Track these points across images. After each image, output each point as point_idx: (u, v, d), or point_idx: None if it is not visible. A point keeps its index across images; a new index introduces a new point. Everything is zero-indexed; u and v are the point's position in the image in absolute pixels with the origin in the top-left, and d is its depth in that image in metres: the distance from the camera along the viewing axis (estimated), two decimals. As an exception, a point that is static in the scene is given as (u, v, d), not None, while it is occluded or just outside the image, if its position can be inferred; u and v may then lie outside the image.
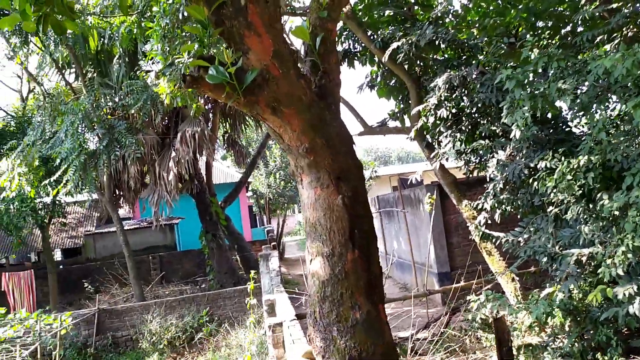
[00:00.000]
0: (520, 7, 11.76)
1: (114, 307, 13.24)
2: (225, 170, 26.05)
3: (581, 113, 6.94)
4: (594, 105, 6.51)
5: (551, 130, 8.88)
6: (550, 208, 7.61)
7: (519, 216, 9.13)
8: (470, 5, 12.49)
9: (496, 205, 9.07)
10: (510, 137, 7.93)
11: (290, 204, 31.75)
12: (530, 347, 7.80)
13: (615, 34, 8.70)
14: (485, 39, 10.55)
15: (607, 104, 6.51)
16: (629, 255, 6.29)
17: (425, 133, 10.43)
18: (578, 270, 7.22)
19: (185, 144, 14.55)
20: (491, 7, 12.48)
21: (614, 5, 8.68)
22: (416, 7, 11.28)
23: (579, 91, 6.34)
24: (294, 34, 3.93)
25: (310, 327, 3.78)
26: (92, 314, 12.45)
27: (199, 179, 17.06)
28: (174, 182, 14.85)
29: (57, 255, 24.39)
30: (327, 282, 3.71)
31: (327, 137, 3.72)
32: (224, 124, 19.14)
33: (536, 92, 6.47)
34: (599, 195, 6.58)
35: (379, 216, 20.84)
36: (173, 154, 14.75)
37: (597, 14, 8.84)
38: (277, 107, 3.55)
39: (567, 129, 8.71)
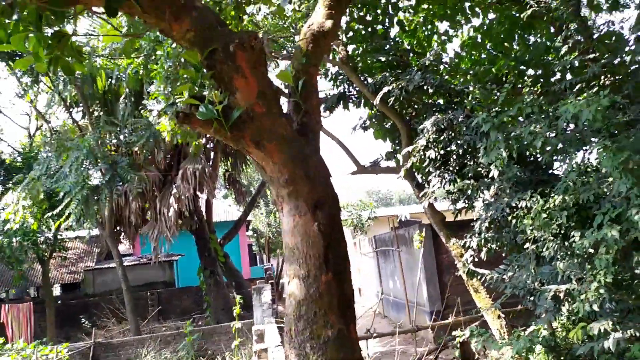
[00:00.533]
0: (510, 55, 12.39)
1: (109, 340, 13.41)
2: (226, 209, 26.45)
3: (556, 157, 7.36)
4: (571, 150, 6.93)
5: (533, 172, 9.30)
6: (527, 245, 7.95)
7: (503, 254, 9.47)
8: (463, 54, 13.13)
9: (482, 243, 9.40)
10: (490, 176, 8.33)
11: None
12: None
13: (593, 82, 9.20)
14: (475, 85, 11.09)
15: (581, 148, 6.92)
16: (601, 291, 6.59)
17: (415, 173, 10.85)
18: (555, 306, 7.49)
19: (186, 181, 14.99)
20: (483, 56, 13.13)
21: (592, 56, 9.21)
22: (411, 55, 11.89)
23: (551, 135, 6.76)
24: (279, 77, 4.40)
25: (286, 345, 4.09)
26: (87, 347, 12.62)
27: (199, 216, 17.42)
28: (173, 218, 15.21)
29: (57, 290, 24.56)
30: (302, 301, 4.04)
31: (306, 169, 4.12)
32: (225, 163, 19.64)
33: (511, 134, 6.91)
34: (572, 233, 6.91)
35: (375, 256, 21.06)
36: (174, 190, 15.17)
37: (577, 63, 9.35)
38: (260, 141, 3.97)
39: (549, 171, 9.12)
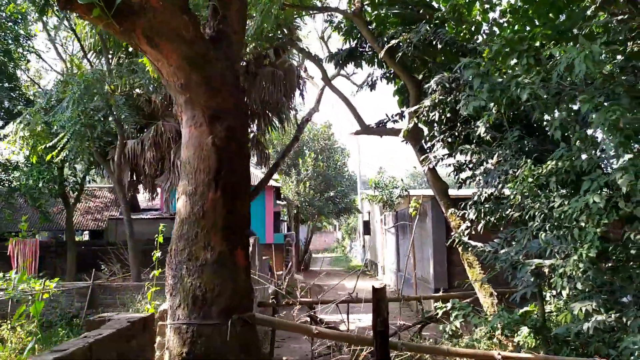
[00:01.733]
0: (545, 23, 11.41)
1: (108, 283, 13.55)
2: (253, 172, 26.24)
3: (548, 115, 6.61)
4: (563, 105, 6.19)
5: (541, 142, 8.55)
6: (510, 212, 7.27)
7: (501, 228, 8.79)
8: (502, 21, 12.21)
9: (480, 215, 8.75)
10: (477, 134, 7.66)
11: (320, 216, 31.70)
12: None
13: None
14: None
15: (574, 103, 6.18)
16: (581, 265, 5.91)
17: (419, 136, 10.22)
18: (534, 281, 6.83)
19: (201, 134, 14.80)
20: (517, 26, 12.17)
21: (620, 17, 8.29)
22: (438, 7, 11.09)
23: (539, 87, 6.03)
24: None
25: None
26: (87, 287, 12.76)
27: (216, 173, 17.26)
28: (186, 171, 15.09)
29: (86, 236, 25.25)
30: (185, 220, 3.66)
31: (205, 75, 3.69)
32: (250, 124, 19.36)
33: (496, 84, 6.23)
34: (555, 199, 6.23)
35: (396, 232, 20.48)
36: (188, 143, 15.02)
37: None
38: (153, 38, 3.56)
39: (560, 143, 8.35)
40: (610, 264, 6.55)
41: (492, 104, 6.59)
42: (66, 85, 11.69)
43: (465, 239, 9.35)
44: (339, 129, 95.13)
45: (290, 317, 10.16)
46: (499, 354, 3.98)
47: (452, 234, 9.46)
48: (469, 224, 9.37)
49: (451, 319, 8.43)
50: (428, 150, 9.90)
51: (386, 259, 23.39)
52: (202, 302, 3.46)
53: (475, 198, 8.95)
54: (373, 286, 3.81)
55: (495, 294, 9.15)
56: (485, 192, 8.81)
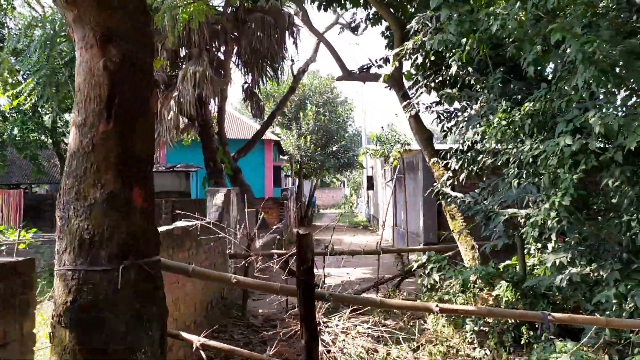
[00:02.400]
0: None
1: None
2: (252, 125, 25.79)
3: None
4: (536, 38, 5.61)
5: (528, 86, 7.97)
6: (482, 158, 6.79)
7: (484, 178, 8.33)
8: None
9: (464, 164, 8.28)
10: (450, 73, 7.11)
11: (323, 171, 31.31)
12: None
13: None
14: None
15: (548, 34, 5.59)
16: (552, 214, 5.45)
17: (403, 81, 9.67)
18: (505, 232, 6.41)
19: (187, 83, 14.34)
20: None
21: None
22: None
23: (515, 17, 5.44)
24: None
25: (56, 206, 3.34)
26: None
27: (205, 124, 16.85)
28: (174, 122, 14.71)
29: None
30: (74, 154, 3.25)
31: (96, -13, 3.21)
32: (245, 75, 18.83)
33: (465, 15, 5.65)
34: (527, 143, 5.74)
35: (393, 186, 20.06)
36: (175, 92, 14.57)
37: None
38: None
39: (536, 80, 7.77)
40: (589, 214, 6.10)
41: (464, 40, 6.03)
42: (33, 29, 11.22)
43: (448, 189, 8.91)
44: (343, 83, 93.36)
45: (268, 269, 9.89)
46: (437, 305, 3.59)
47: (434, 184, 9.01)
48: (450, 174, 8.93)
49: (426, 272, 8.10)
50: (412, 96, 9.36)
51: (384, 214, 23.06)
52: (90, 245, 3.08)
53: (458, 146, 8.48)
54: (297, 232, 3.41)
55: (477, 246, 8.76)
56: (468, 140, 8.33)
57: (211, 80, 14.37)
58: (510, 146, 6.24)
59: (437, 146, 9.75)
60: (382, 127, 27.53)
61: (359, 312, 8.97)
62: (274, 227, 19.07)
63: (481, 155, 7.70)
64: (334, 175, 45.53)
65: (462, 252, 8.91)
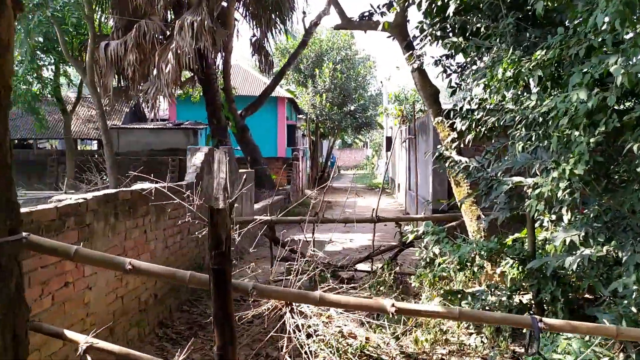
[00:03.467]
0: None
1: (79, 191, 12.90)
2: (267, 83, 24.71)
3: None
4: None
5: (543, 33, 6.86)
6: (483, 116, 5.82)
7: (492, 141, 7.34)
8: None
9: (472, 125, 7.30)
10: (447, 14, 6.09)
11: (339, 132, 30.31)
12: (459, 294, 6.19)
13: None
14: None
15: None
16: (561, 184, 4.52)
17: (407, 30, 8.60)
18: (506, 203, 5.50)
19: (185, 34, 13.43)
20: None
21: None
22: None
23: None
24: None
25: None
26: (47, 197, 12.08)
27: (209, 78, 15.98)
28: (172, 76, 13.87)
29: (95, 145, 24.77)
30: None
31: None
32: (253, 28, 17.80)
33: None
34: (532, 98, 4.76)
35: (407, 147, 19.07)
36: (173, 44, 13.69)
37: None
38: None
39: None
40: (608, 185, 5.13)
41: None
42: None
43: (453, 153, 7.96)
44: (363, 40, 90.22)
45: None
46: (392, 305, 2.76)
47: (438, 147, 8.04)
48: (456, 136, 7.95)
49: (423, 244, 7.25)
50: (416, 47, 8.31)
51: (400, 176, 22.14)
52: None
53: (463, 104, 7.49)
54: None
55: (483, 216, 7.83)
56: (475, 97, 7.35)
57: (210, 31, 13.43)
58: (517, 103, 5.25)
59: (445, 105, 8.73)
60: (401, 87, 26.38)
61: (350, 286, 8.22)
62: (284, 187, 18.34)
63: (491, 115, 6.70)
64: (355, 135, 44.51)
65: (467, 222, 8.01)
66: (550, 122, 4.81)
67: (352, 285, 8.15)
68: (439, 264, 6.45)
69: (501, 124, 6.27)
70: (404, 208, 18.70)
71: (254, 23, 17.55)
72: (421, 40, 8.06)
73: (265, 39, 17.92)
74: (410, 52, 8.23)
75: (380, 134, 40.16)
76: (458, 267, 6.17)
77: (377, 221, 8.15)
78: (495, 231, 7.80)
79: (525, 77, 4.98)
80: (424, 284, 6.87)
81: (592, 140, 4.39)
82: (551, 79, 4.92)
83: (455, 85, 8.21)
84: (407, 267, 8.94)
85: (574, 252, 4.92)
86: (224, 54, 16.30)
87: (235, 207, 10.32)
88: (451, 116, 7.72)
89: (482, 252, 6.07)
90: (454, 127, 7.72)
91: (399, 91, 25.36)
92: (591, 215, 4.89)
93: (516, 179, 5.41)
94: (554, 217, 6.00)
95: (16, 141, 23.38)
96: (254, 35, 18.12)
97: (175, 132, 20.66)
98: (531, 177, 5.69)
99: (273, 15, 16.86)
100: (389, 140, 28.45)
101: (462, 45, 7.00)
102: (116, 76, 15.47)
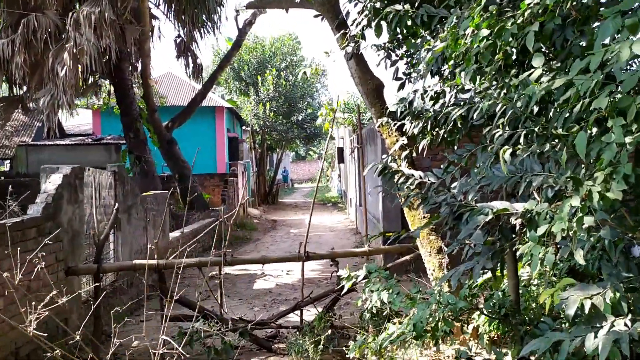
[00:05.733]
0: None
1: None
2: (190, 85, 22.33)
3: None
4: None
5: None
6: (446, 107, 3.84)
7: (455, 147, 5.36)
8: None
9: (427, 125, 5.34)
10: None
11: (287, 143, 28.22)
12: None
13: None
14: None
15: None
16: (589, 219, 2.53)
17: (339, 7, 6.61)
18: (485, 245, 3.52)
19: (84, 29, 11.14)
20: None
21: None
22: None
23: None
24: None
25: None
26: None
27: (122, 84, 13.66)
28: (70, 80, 11.51)
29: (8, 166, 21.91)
30: None
31: None
32: (177, 27, 15.58)
33: None
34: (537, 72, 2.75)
35: (357, 156, 17.14)
36: (70, 42, 11.35)
37: None
38: None
39: None
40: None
41: None
42: None
43: (402, 164, 5.98)
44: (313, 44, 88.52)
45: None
46: None
47: (384, 156, 6.01)
48: (405, 141, 6.00)
49: (364, 294, 5.18)
50: (351, 25, 6.29)
51: (351, 190, 20.23)
52: None
53: (416, 98, 5.53)
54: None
55: (445, 249, 5.84)
56: (430, 88, 5.44)
57: (113, 26, 11.18)
58: (496, 84, 3.28)
59: (393, 106, 6.72)
60: (351, 93, 24.55)
61: (274, 348, 6.06)
62: (217, 207, 16.08)
63: (456, 110, 4.71)
64: (307, 147, 42.64)
65: (425, 257, 6.03)
66: (553, 114, 2.85)
67: (277, 346, 6.02)
68: (381, 342, 4.38)
69: (470, 120, 4.33)
70: (355, 226, 16.69)
71: (177, 21, 15.33)
72: (359, 14, 6.04)
73: (193, 40, 15.72)
74: (343, 31, 6.24)
75: (334, 144, 38.41)
76: (414, 334, 4.10)
77: (305, 259, 6.03)
78: (459, 262, 5.81)
79: (511, 38, 2.99)
80: (366, 356, 4.81)
81: (632, 138, 2.43)
82: (555, 39, 2.95)
83: (404, 76, 6.24)
84: (351, 315, 6.86)
85: (597, 324, 2.93)
86: (133, 52, 13.99)
87: (129, 241, 8.09)
88: (399, 116, 5.75)
89: (447, 313, 4.04)
90: (404, 130, 5.75)
91: (348, 98, 23.56)
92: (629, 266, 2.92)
93: (498, 204, 3.41)
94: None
95: None
96: (178, 36, 15.92)
97: (95, 149, 18.15)
98: (519, 200, 3.73)
99: (198, 11, 14.69)
100: (340, 151, 26.57)
101: (410, 16, 5.02)
102: (7, 82, 13.02)
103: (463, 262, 3.92)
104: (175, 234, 11.12)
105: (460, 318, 4.48)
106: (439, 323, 4.02)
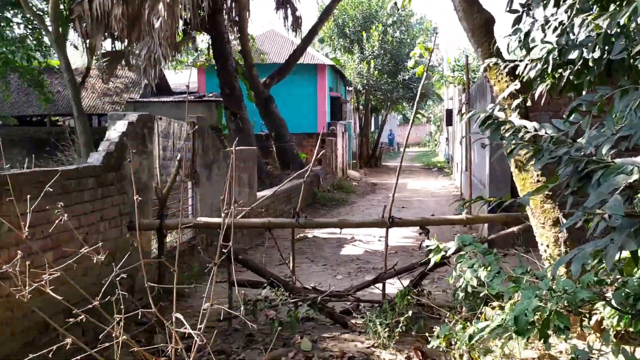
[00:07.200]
0: None
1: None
2: (287, 38, 21.62)
3: None
4: None
5: None
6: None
7: (583, 92, 4.19)
8: None
9: (548, 67, 4.25)
10: None
11: (392, 104, 26.99)
12: None
13: None
14: None
15: None
16: None
17: None
18: (624, 216, 2.45)
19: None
20: None
21: None
22: None
23: None
24: None
25: None
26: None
27: (219, 37, 13.28)
28: (165, 33, 11.30)
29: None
30: None
31: None
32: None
33: None
34: None
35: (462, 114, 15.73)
36: (163, -8, 11.08)
37: None
38: None
39: None
40: None
41: None
42: None
43: (512, 115, 4.88)
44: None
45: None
46: None
47: (490, 106, 4.92)
48: (517, 87, 4.88)
49: (455, 271, 4.25)
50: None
51: (457, 154, 18.86)
52: None
53: (533, 30, 4.38)
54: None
55: (564, 221, 4.71)
56: (555, 18, 4.31)
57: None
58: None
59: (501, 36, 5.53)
60: (462, 49, 22.80)
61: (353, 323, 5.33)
62: (316, 167, 15.47)
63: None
64: (412, 108, 41.00)
65: (536, 230, 4.93)
66: None
67: (353, 322, 5.28)
68: (473, 333, 3.47)
69: (604, 58, 3.23)
70: (460, 192, 15.44)
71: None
72: None
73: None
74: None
75: (444, 106, 36.55)
76: (514, 330, 3.15)
77: (390, 225, 5.16)
78: (581, 238, 4.66)
79: None
80: (454, 346, 3.93)
81: None
82: None
83: (521, 7, 5.05)
84: (443, 292, 5.94)
85: None
86: (238, 9, 13.56)
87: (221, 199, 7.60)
88: (511, 54, 4.66)
89: (564, 305, 3.04)
90: (516, 73, 4.63)
91: (460, 54, 21.84)
92: None
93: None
94: None
95: (28, 118, 21.76)
96: (277, -14, 15.27)
97: (196, 106, 18.23)
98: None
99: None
100: (449, 113, 25.00)
101: None
102: (109, 37, 13.12)
103: (588, 239, 2.89)
104: (264, 193, 10.65)
105: (581, 310, 3.44)
106: (551, 317, 3.03)
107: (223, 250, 5.15)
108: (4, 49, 14.00)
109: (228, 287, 5.34)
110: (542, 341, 3.49)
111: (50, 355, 2.70)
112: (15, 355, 3.99)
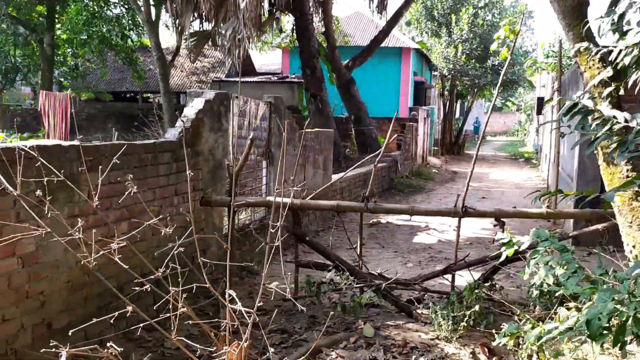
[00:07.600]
0: None
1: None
2: (372, 20, 21.22)
3: None
4: None
5: None
6: None
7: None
8: None
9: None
10: None
11: (479, 91, 26.04)
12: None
13: None
14: None
15: None
16: None
17: None
18: None
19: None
20: None
21: None
22: None
23: None
24: None
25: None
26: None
27: (302, 17, 13.29)
28: (250, 13, 11.45)
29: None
30: None
31: None
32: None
33: None
34: None
35: (554, 103, 14.85)
36: (251, -28, 11.20)
37: None
38: None
39: None
40: None
41: None
42: None
43: (602, 104, 4.51)
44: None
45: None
46: None
47: (578, 93, 4.58)
48: (610, 74, 4.51)
49: (529, 268, 4.02)
50: None
51: (546, 145, 17.96)
52: None
53: (629, 12, 4.03)
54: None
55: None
56: None
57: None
58: None
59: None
60: (557, 34, 21.58)
61: (419, 311, 5.22)
62: (388, 155, 15.28)
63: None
64: (504, 97, 39.46)
65: (623, 228, 4.57)
66: None
67: (418, 312, 5.17)
68: (541, 333, 3.27)
69: None
70: (547, 185, 14.70)
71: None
72: None
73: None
74: None
75: (535, 94, 34.89)
76: (587, 334, 2.94)
77: (462, 215, 4.97)
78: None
79: None
80: (522, 346, 3.74)
81: None
82: None
83: None
84: (517, 288, 5.68)
85: None
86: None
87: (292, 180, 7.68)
88: (602, 38, 4.31)
89: (644, 312, 2.78)
90: (609, 59, 4.31)
91: (554, 39, 20.70)
92: None
93: None
94: None
95: (121, 94, 22.85)
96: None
97: (279, 86, 18.43)
98: None
99: None
100: (540, 102, 23.82)
101: None
102: (198, 18, 13.48)
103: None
104: (339, 175, 10.63)
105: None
106: (627, 322, 2.79)
107: (286, 231, 5.19)
108: (102, 28, 14.78)
109: (295, 268, 5.38)
110: (619, 349, 3.25)
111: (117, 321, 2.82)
112: (90, 318, 4.23)
